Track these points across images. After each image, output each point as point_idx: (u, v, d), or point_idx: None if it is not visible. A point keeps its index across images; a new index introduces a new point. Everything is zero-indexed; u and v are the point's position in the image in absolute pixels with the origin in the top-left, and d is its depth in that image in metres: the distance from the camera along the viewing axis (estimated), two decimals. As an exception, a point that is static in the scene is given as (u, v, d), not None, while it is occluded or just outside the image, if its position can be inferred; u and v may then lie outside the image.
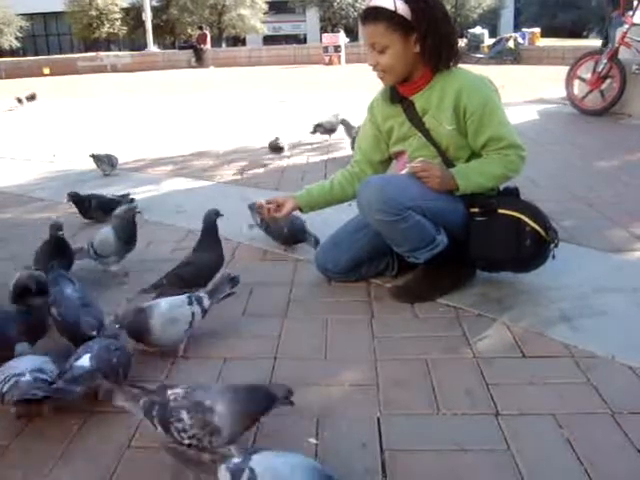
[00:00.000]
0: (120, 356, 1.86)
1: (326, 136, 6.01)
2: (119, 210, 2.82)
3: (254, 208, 3.00)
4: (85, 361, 1.78)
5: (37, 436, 1.72)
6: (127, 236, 2.76)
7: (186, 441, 1.45)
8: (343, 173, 2.67)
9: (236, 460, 1.31)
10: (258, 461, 1.29)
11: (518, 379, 1.90)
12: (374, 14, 2.30)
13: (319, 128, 5.88)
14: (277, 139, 5.39)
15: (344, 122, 5.50)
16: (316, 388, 1.89)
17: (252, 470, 1.27)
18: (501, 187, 2.48)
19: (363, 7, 2.40)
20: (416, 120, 2.42)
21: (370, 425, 1.70)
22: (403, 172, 2.37)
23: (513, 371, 1.95)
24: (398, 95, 2.47)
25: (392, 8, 2.25)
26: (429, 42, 2.30)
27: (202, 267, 2.49)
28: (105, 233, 2.75)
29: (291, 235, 2.94)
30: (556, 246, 2.37)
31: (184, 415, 1.46)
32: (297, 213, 2.70)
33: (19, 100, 10.50)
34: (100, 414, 1.79)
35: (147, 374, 1.98)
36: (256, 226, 3.15)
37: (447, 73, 2.39)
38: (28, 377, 1.70)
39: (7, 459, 1.64)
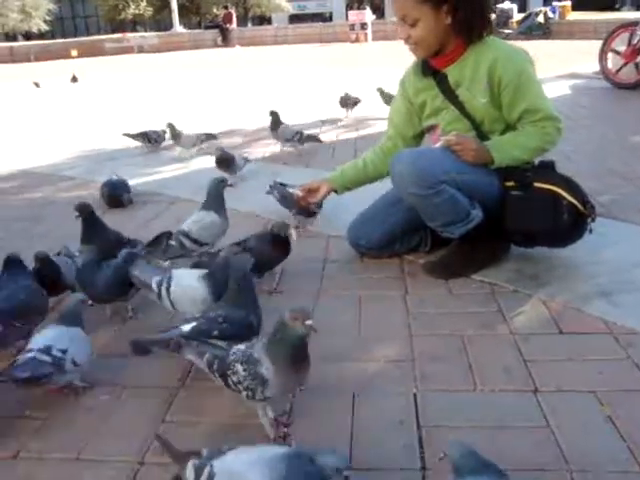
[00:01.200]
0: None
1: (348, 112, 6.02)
2: (210, 186, 2.56)
3: (273, 186, 3.08)
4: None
5: (75, 409, 1.74)
6: (224, 215, 2.56)
7: (243, 393, 1.52)
8: (375, 150, 2.64)
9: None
10: (223, 459, 1.30)
11: (556, 356, 1.86)
12: None
13: (139, 138, 5.09)
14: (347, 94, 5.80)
15: (381, 91, 5.60)
16: (351, 364, 1.88)
17: (212, 466, 1.28)
18: (536, 161, 2.43)
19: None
20: (449, 93, 2.38)
21: (407, 401, 1.68)
22: (437, 145, 2.33)
23: (550, 347, 1.91)
24: (430, 68, 2.42)
25: None
26: (461, 13, 2.25)
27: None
28: (207, 216, 2.50)
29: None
30: (593, 220, 2.32)
31: (239, 367, 1.51)
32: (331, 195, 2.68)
33: (37, 85, 10.55)
34: (134, 388, 1.80)
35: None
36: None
37: (480, 44, 2.33)
38: (31, 355, 1.70)
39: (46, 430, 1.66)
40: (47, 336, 1.78)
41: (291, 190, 2.74)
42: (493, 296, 2.25)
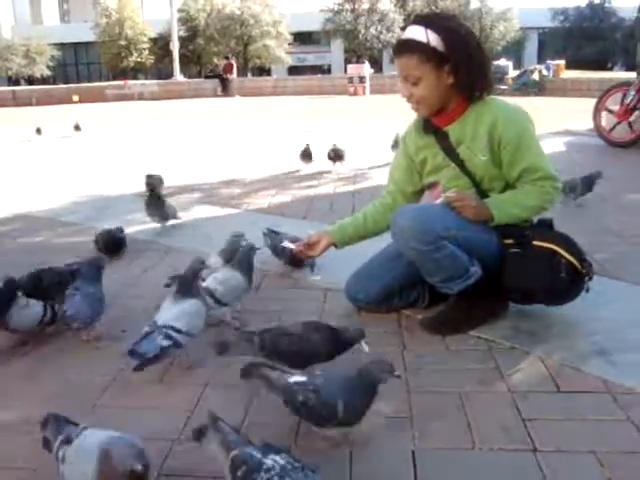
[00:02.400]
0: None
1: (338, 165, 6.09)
2: (241, 250, 2.57)
3: (266, 233, 3.15)
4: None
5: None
6: (250, 279, 2.54)
7: None
8: (375, 205, 2.67)
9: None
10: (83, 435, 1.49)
11: (554, 414, 1.85)
12: (407, 46, 2.32)
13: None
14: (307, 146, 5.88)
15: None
16: (348, 420, 1.86)
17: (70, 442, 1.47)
18: (535, 219, 2.46)
19: (388, 39, 2.44)
20: (450, 151, 2.42)
21: (405, 459, 1.67)
22: (438, 202, 2.36)
23: (549, 406, 1.91)
24: (432, 126, 2.47)
25: (424, 40, 2.26)
26: (462, 73, 2.30)
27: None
28: (232, 277, 2.46)
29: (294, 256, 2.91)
30: (590, 279, 2.34)
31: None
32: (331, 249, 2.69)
33: (38, 131, 10.22)
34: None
35: (176, 402, 1.97)
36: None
37: (481, 103, 2.38)
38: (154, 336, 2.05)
39: None
40: (168, 314, 2.12)
41: (286, 244, 2.74)
42: (490, 353, 2.25)
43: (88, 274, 2.46)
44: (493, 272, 2.35)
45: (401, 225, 2.30)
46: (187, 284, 2.22)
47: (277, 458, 1.37)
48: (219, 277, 2.48)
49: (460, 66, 2.29)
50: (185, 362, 2.19)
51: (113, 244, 3.52)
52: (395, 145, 5.71)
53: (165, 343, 2.05)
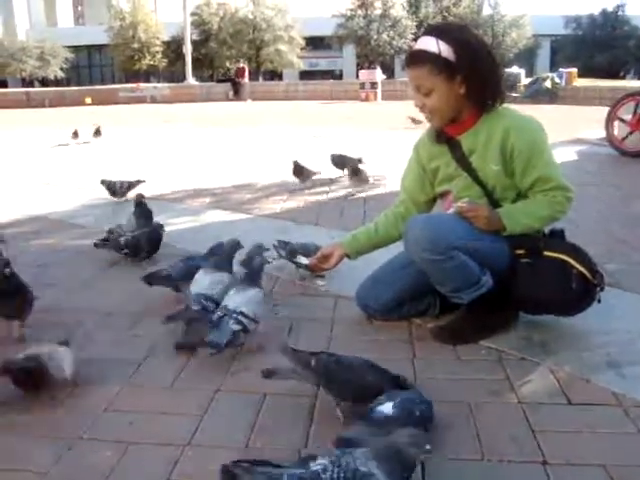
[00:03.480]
0: (425, 410, 1.81)
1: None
2: (257, 262, 2.51)
3: (277, 245, 3.14)
4: (388, 408, 1.77)
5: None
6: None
7: None
8: (387, 215, 2.68)
9: None
10: None
11: (565, 427, 1.85)
12: (418, 57, 2.34)
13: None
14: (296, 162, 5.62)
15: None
16: (357, 427, 1.86)
17: None
18: (547, 229, 2.46)
19: (400, 44, 2.46)
20: (463, 160, 2.42)
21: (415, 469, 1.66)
22: (450, 211, 2.36)
23: (559, 418, 1.90)
24: (444, 135, 2.47)
25: (436, 51, 2.27)
26: (474, 83, 2.31)
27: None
28: (257, 294, 2.41)
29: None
30: (602, 290, 2.34)
31: None
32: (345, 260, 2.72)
33: (76, 134, 9.52)
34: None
35: (187, 407, 1.98)
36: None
37: (494, 113, 2.39)
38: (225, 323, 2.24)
39: None
40: (236, 301, 2.30)
41: (301, 260, 2.76)
42: (501, 363, 2.25)
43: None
44: (504, 282, 2.35)
45: (413, 234, 2.30)
46: (251, 274, 2.44)
47: (319, 461, 1.42)
48: (241, 299, 2.36)
49: (472, 77, 2.30)
50: (251, 346, 2.35)
51: (157, 241, 3.49)
52: None
53: (236, 327, 2.25)
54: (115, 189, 5.08)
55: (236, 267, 2.72)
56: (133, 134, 11.24)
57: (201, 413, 1.95)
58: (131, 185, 5.06)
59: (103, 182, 5.15)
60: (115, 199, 5.08)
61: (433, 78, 2.30)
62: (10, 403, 2.00)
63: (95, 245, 3.54)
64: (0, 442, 1.82)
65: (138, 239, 3.41)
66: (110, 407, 2.00)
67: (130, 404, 2.02)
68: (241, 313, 2.28)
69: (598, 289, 2.33)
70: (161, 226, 3.57)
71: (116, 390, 2.09)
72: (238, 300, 2.33)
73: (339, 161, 6.01)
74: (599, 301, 2.35)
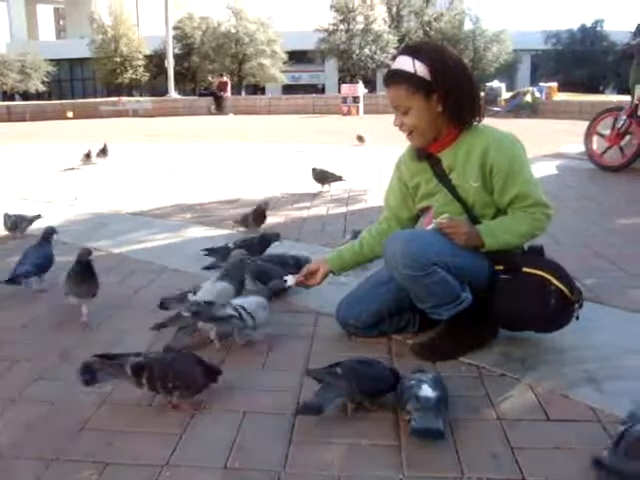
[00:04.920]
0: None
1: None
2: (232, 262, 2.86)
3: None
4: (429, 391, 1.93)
5: None
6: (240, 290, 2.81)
7: None
8: (371, 232, 2.69)
9: None
10: None
11: (544, 443, 1.85)
12: (395, 77, 2.37)
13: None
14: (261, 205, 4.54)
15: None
16: (336, 447, 1.85)
17: None
18: (526, 245, 2.47)
19: (382, 59, 2.49)
20: (443, 177, 2.43)
21: (393, 488, 1.66)
22: (429, 227, 2.37)
23: (538, 435, 1.90)
24: (425, 152, 2.49)
25: (411, 70, 2.30)
26: (450, 101, 2.33)
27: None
28: (264, 304, 2.60)
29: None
30: (580, 306, 2.35)
31: None
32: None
33: (88, 156, 8.63)
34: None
35: (166, 426, 1.96)
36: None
37: (473, 130, 2.41)
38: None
39: None
40: (240, 301, 2.55)
41: (288, 279, 2.75)
42: (480, 379, 2.25)
43: None
44: (484, 298, 2.35)
45: (392, 251, 2.31)
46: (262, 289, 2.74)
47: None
48: (253, 306, 2.58)
49: (448, 95, 2.32)
50: (240, 341, 2.54)
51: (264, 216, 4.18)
52: None
53: (230, 312, 2.47)
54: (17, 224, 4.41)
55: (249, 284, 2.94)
56: (116, 148, 11.19)
57: (180, 432, 1.93)
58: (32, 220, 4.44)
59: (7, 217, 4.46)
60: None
61: (410, 97, 2.32)
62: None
63: None
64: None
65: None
66: (87, 426, 1.98)
67: (108, 423, 1.99)
68: (242, 307, 2.50)
69: (577, 306, 2.34)
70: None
71: (93, 409, 2.07)
72: (242, 301, 2.57)
73: (321, 177, 6.05)
74: (577, 318, 2.36)
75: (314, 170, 6.12)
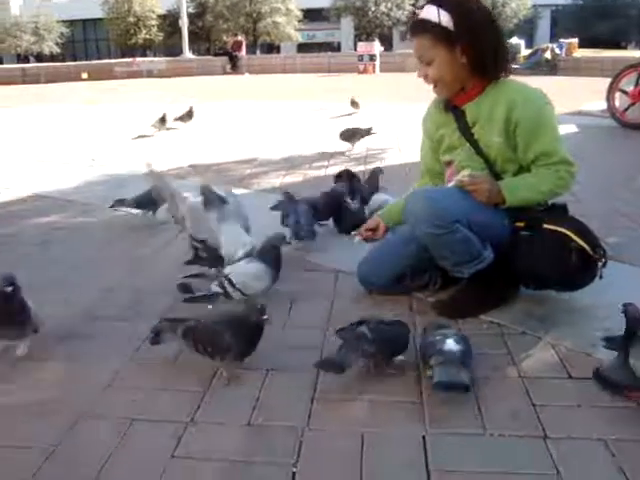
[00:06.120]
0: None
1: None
2: (273, 241, 2.59)
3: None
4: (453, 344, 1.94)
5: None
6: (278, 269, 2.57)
7: None
8: (414, 186, 2.69)
9: None
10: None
11: (565, 401, 1.86)
12: (419, 27, 2.33)
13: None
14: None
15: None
16: (359, 403, 1.87)
17: None
18: (549, 202, 2.44)
19: (398, 16, 2.44)
20: (465, 130, 2.41)
21: (416, 444, 1.67)
22: (450, 184, 2.35)
23: (560, 392, 1.91)
24: (451, 103, 2.46)
25: (436, 20, 2.25)
26: (474, 53, 2.29)
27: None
28: (259, 269, 2.49)
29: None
30: (604, 265, 2.30)
31: None
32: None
33: (162, 120, 7.86)
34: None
35: (189, 383, 1.98)
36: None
37: (500, 84, 2.37)
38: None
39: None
40: (233, 269, 2.48)
41: (355, 236, 2.73)
42: (502, 338, 2.25)
43: None
44: (504, 255, 2.34)
45: (414, 209, 2.30)
46: (264, 251, 2.53)
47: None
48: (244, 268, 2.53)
49: (472, 46, 2.28)
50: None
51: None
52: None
53: (215, 289, 2.40)
54: None
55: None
56: (129, 107, 11.15)
57: (204, 390, 1.95)
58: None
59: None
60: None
61: (434, 47, 2.29)
62: (11, 381, 2.01)
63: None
64: (1, 421, 1.83)
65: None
66: (113, 384, 2.01)
67: (133, 381, 2.02)
68: (228, 280, 2.41)
69: (600, 265, 2.29)
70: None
71: (118, 367, 2.10)
72: (236, 269, 2.49)
73: (350, 134, 5.97)
74: (600, 277, 2.32)
75: (343, 131, 6.02)
